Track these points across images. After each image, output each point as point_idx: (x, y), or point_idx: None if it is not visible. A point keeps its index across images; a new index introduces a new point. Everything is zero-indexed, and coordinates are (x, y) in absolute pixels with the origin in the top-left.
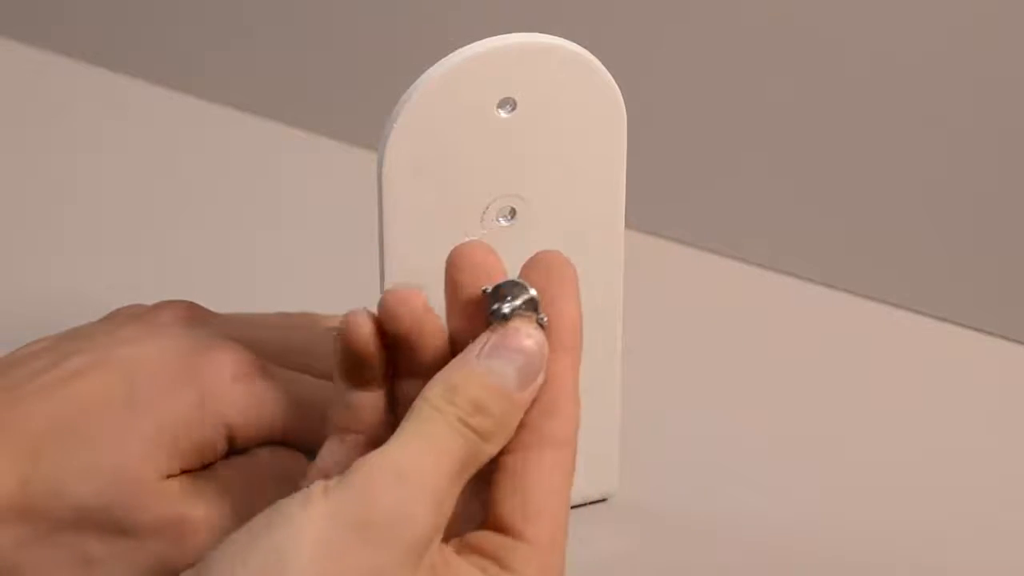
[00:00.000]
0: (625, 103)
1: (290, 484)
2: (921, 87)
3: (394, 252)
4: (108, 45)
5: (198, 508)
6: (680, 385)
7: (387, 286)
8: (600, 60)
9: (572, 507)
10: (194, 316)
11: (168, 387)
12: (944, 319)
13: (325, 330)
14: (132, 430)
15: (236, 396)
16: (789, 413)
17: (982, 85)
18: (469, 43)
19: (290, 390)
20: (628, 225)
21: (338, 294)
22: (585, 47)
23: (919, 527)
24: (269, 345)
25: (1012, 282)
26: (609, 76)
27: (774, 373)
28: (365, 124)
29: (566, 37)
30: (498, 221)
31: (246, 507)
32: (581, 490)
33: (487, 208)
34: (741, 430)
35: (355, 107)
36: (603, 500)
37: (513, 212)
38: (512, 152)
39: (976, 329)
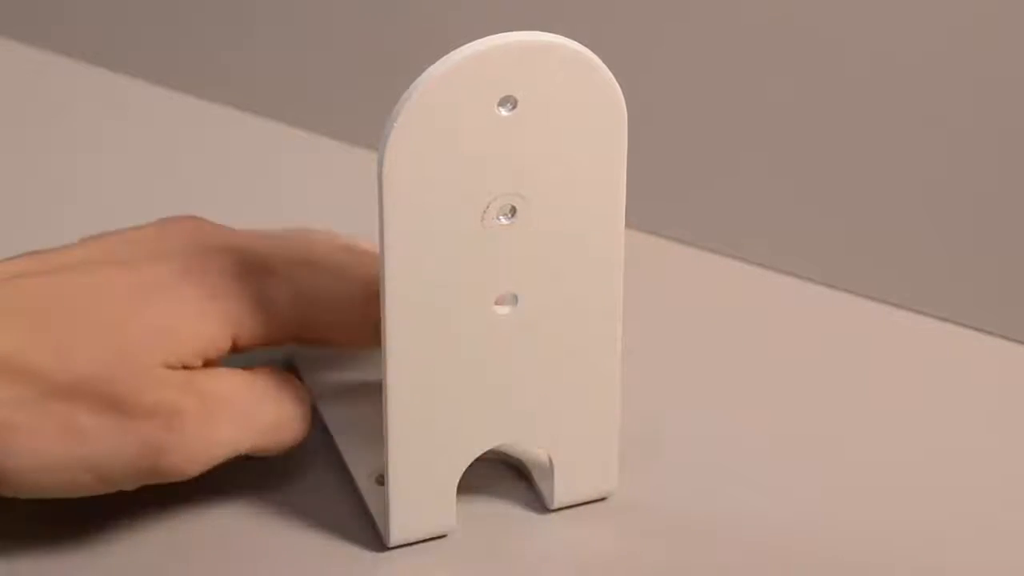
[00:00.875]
0: (626, 102)
1: (282, 400)
2: (921, 87)
3: (394, 252)
4: (108, 45)
5: (192, 399)
6: (680, 385)
7: (387, 285)
8: (601, 59)
9: (572, 507)
10: (200, 225)
11: (176, 281)
12: (944, 319)
13: (328, 240)
14: (139, 315)
15: (243, 292)
16: (789, 413)
17: (982, 85)
18: (469, 42)
19: (295, 287)
20: (628, 225)
21: None
22: (586, 46)
23: (919, 527)
24: (275, 250)
25: (1012, 282)
26: (610, 75)
27: (774, 373)
28: (365, 124)
29: (567, 36)
30: (499, 220)
31: (240, 412)
32: (581, 490)
33: (488, 207)
34: (741, 430)
35: (355, 107)
36: (603, 500)
37: (513, 210)
38: (513, 150)
39: (976, 329)
